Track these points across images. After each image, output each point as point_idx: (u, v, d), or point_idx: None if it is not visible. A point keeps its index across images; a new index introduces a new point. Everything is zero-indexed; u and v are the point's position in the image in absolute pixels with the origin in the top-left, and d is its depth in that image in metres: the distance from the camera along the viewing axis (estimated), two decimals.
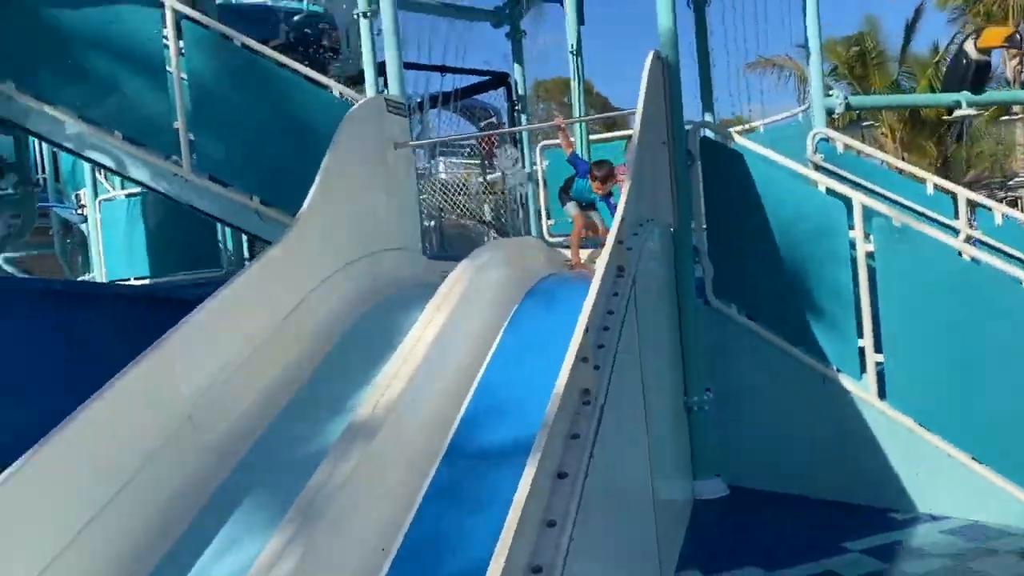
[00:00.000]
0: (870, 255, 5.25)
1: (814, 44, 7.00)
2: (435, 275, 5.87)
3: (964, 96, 7.37)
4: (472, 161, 12.66)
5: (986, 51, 7.49)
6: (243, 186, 6.18)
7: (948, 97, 7.61)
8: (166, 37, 6.02)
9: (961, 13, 24.34)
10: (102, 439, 3.27)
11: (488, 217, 12.20)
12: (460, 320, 4.20)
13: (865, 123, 8.20)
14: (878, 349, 5.24)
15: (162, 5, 5.98)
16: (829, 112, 7.01)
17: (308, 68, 6.42)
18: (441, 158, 12.22)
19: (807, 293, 5.52)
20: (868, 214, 5.28)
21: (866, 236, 5.25)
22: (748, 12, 7.04)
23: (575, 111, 7.89)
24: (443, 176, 11.77)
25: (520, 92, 9.27)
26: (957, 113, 7.44)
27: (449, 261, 6.40)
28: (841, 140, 6.68)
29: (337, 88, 6.37)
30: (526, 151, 9.31)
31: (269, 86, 6.32)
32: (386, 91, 7.30)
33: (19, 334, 5.78)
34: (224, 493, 3.49)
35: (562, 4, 7.89)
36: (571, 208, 5.87)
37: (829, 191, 5.43)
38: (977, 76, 7.40)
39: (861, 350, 5.31)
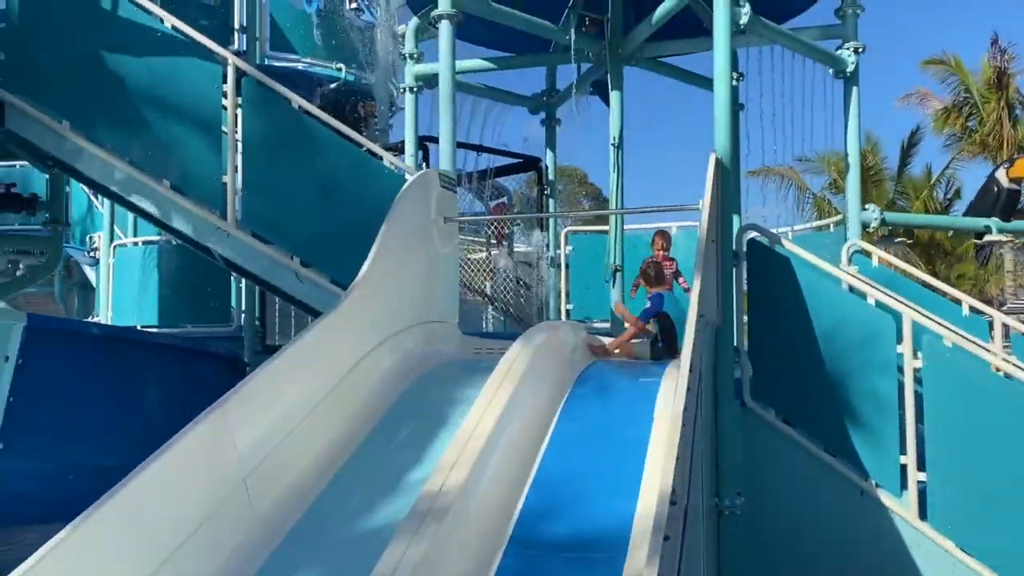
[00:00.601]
0: (916, 371, 5.23)
1: (854, 158, 7.16)
2: (469, 351, 5.82)
3: (994, 223, 7.52)
4: (470, 238, 12.69)
5: (1017, 180, 7.70)
6: (285, 245, 6.12)
7: (979, 222, 7.76)
8: (225, 93, 6.04)
9: (956, 140, 25.06)
10: (161, 500, 3.14)
11: (489, 293, 12.23)
12: (518, 403, 4.10)
13: (897, 239, 8.34)
14: (921, 467, 5.17)
15: (224, 62, 6.04)
16: (864, 226, 7.11)
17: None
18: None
19: (849, 403, 5.46)
20: (916, 331, 5.28)
21: (914, 352, 5.24)
22: (756, 122, 7.13)
23: (613, 203, 7.95)
24: None
25: (550, 177, 9.38)
26: (987, 238, 7.58)
27: (480, 337, 6.36)
28: (877, 254, 6.75)
29: (388, 158, 6.38)
30: (551, 235, 9.36)
31: (318, 149, 6.33)
32: (424, 165, 7.38)
33: (73, 376, 5.62)
34: (277, 563, 3.33)
35: (605, 100, 8.03)
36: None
37: (878, 304, 5.44)
38: (1007, 204, 7.58)
39: (903, 467, 5.24)
